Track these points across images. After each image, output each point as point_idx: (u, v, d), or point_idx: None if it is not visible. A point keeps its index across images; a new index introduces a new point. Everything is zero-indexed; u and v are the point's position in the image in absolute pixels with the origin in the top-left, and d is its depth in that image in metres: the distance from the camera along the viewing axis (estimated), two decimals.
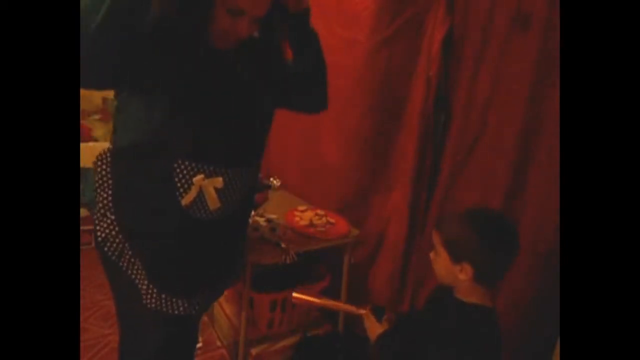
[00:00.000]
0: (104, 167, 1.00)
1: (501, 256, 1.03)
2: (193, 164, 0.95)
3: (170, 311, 1.03)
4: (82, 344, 1.82)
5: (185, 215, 0.98)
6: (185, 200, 0.97)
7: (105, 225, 1.00)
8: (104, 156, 1.01)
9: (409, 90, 1.75)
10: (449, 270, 1.04)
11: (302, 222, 1.71)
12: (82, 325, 1.94)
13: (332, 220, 1.76)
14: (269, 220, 1.63)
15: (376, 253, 1.90)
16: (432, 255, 1.10)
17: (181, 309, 1.04)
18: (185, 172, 0.95)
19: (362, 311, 1.20)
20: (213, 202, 0.99)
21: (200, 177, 0.96)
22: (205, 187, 0.97)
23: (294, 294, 1.27)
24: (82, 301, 1.99)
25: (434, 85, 1.69)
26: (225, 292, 2.02)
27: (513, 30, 1.44)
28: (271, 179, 2.11)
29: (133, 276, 1.02)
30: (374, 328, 1.17)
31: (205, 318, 2.13)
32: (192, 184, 0.96)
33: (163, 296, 1.02)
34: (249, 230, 1.57)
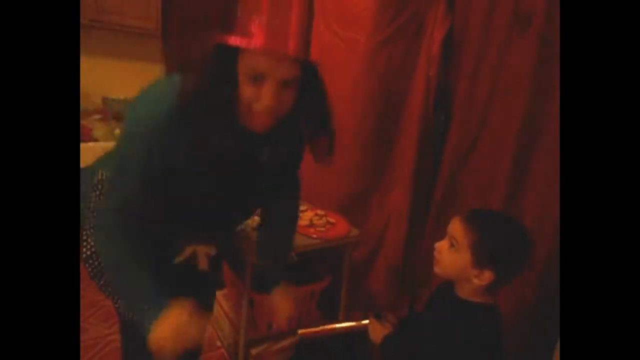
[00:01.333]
0: (99, 195, 1.00)
1: (523, 269, 1.03)
2: (191, 238, 1.01)
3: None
4: (82, 344, 1.82)
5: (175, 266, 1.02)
6: (177, 260, 1.01)
7: (90, 246, 1.02)
8: (100, 185, 0.99)
9: (409, 90, 1.75)
10: (463, 271, 1.01)
11: (302, 222, 1.71)
12: (82, 325, 1.94)
13: (332, 220, 1.76)
14: None
15: (376, 253, 1.90)
16: (442, 246, 1.05)
17: None
18: (181, 242, 1.01)
19: (366, 321, 1.21)
20: (203, 264, 1.05)
21: (196, 246, 1.03)
22: (199, 251, 1.03)
23: (300, 331, 1.29)
24: (82, 301, 1.99)
25: (434, 85, 1.69)
26: (225, 292, 2.02)
27: (513, 30, 1.44)
28: None
29: (107, 294, 1.05)
30: (377, 331, 1.16)
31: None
32: (186, 248, 1.02)
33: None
34: (249, 230, 1.57)
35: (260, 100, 0.80)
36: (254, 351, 1.70)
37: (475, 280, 0.99)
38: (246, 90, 0.79)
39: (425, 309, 1.21)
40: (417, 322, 1.20)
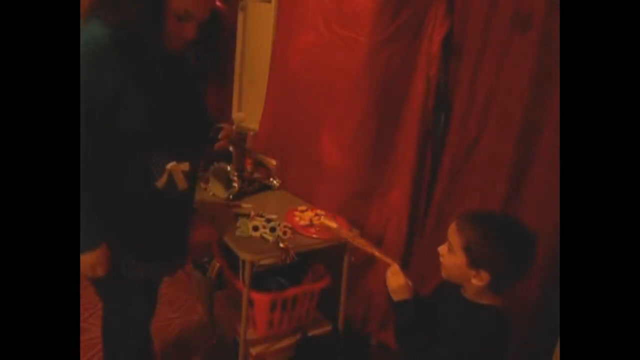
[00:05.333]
0: None
1: (521, 269, 1.03)
2: (165, 154, 1.13)
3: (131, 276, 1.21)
4: (82, 344, 1.82)
5: (156, 193, 1.15)
6: (159, 183, 1.14)
7: None
8: None
9: (409, 90, 1.75)
10: (462, 272, 1.02)
11: (302, 222, 1.70)
12: (82, 325, 1.94)
13: None
14: (268, 220, 1.63)
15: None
16: (443, 249, 1.08)
17: (142, 274, 1.23)
18: (159, 161, 1.13)
19: (390, 261, 1.18)
20: (181, 183, 1.17)
21: (172, 164, 1.14)
22: (174, 170, 1.15)
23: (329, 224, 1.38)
24: (82, 301, 1.99)
25: (434, 85, 1.69)
26: (225, 292, 2.02)
27: (513, 30, 1.44)
28: (271, 179, 2.11)
29: None
30: (401, 286, 1.12)
31: (205, 318, 2.13)
32: (165, 170, 1.14)
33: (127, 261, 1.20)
34: (250, 230, 1.57)
35: (182, 35, 1.06)
36: (254, 351, 1.70)
37: (474, 281, 1.00)
38: (172, 27, 1.03)
39: (433, 296, 1.20)
40: (429, 304, 1.18)
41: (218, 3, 1.13)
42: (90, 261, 1.11)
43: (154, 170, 1.14)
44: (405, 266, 1.19)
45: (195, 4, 1.03)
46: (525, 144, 1.47)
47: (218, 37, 1.25)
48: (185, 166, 1.17)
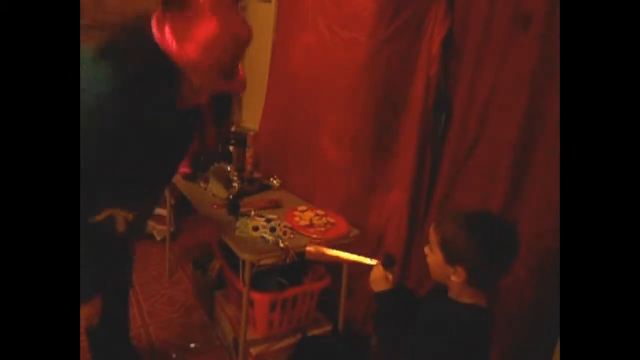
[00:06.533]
0: None
1: (497, 264, 1.03)
2: (113, 197, 1.09)
3: None
4: (82, 344, 1.82)
5: (92, 227, 1.09)
6: (95, 219, 1.08)
7: None
8: None
9: (409, 90, 1.75)
10: (442, 270, 1.04)
11: (302, 222, 1.70)
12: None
13: (332, 220, 1.76)
14: (268, 220, 1.63)
15: (376, 253, 1.90)
16: (427, 249, 1.10)
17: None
18: (104, 204, 1.09)
19: (374, 262, 1.23)
20: (121, 227, 1.15)
21: (116, 211, 1.11)
22: (117, 215, 1.12)
23: (308, 248, 1.33)
24: None
25: (434, 85, 1.69)
26: (225, 292, 2.02)
27: (513, 30, 1.44)
28: (271, 179, 2.11)
29: None
30: (379, 277, 1.19)
31: (205, 318, 2.13)
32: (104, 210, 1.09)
33: None
34: (250, 230, 1.57)
35: (196, 101, 1.07)
36: (254, 351, 1.70)
37: (453, 278, 1.02)
38: (188, 94, 1.04)
39: (426, 297, 1.22)
40: (413, 299, 1.22)
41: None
42: (86, 312, 1.13)
43: (96, 205, 1.08)
44: (391, 263, 1.22)
45: (212, 83, 1.03)
46: (525, 144, 1.47)
47: (230, 100, 1.27)
48: (129, 216, 1.14)
